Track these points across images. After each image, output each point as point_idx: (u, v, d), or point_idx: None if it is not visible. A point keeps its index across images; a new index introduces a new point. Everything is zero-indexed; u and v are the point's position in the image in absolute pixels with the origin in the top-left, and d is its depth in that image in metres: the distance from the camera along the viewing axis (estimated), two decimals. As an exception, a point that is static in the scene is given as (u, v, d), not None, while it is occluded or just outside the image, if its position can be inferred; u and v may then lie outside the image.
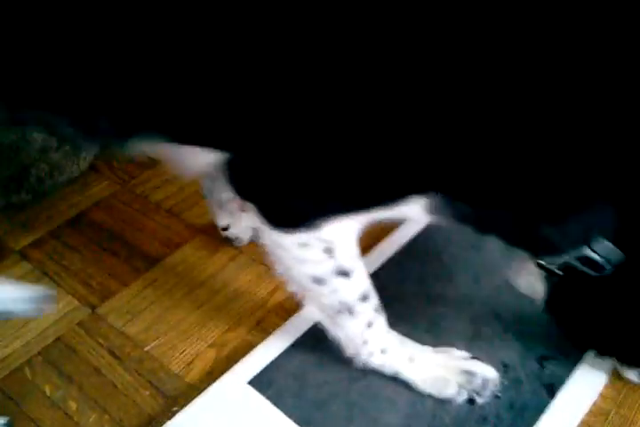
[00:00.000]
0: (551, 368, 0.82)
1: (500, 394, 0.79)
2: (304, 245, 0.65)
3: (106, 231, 1.11)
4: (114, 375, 0.88)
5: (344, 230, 0.66)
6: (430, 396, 0.80)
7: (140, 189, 1.20)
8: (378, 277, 0.94)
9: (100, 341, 0.92)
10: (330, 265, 0.68)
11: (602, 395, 0.80)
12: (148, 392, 0.85)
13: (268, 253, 0.71)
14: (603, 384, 0.81)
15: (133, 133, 0.66)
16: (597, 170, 0.49)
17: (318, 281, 0.70)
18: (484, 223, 0.61)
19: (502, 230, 0.62)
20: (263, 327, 0.92)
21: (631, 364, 0.76)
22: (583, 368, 0.82)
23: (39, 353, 0.91)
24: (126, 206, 1.16)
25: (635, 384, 0.80)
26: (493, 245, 0.98)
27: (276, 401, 0.81)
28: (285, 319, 0.91)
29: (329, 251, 0.66)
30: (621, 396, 0.80)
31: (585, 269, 0.61)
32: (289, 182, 0.60)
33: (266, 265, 1.02)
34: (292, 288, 0.76)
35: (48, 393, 0.86)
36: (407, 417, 0.78)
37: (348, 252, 0.69)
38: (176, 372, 0.87)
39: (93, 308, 0.97)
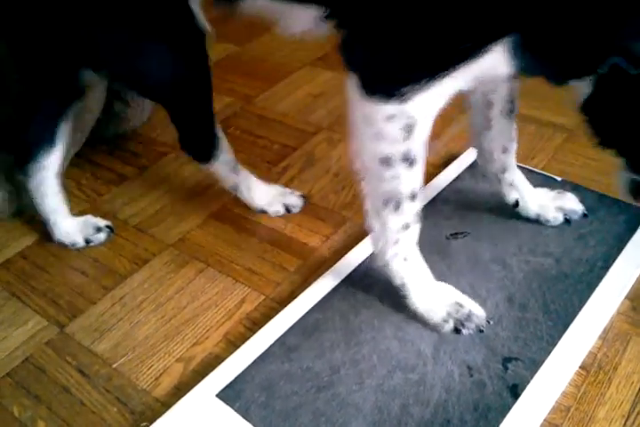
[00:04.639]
0: (515, 370, 0.83)
1: (483, 329, 0.88)
2: (390, 117, 0.69)
3: (74, 250, 1.11)
4: (82, 393, 0.88)
5: (428, 108, 0.69)
6: (395, 401, 0.80)
7: (108, 206, 1.20)
8: (346, 285, 0.97)
9: (69, 359, 0.92)
10: (403, 146, 0.72)
11: (562, 392, 0.81)
12: (115, 409, 0.85)
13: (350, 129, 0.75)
14: (565, 384, 0.82)
15: None
16: None
17: (385, 162, 0.73)
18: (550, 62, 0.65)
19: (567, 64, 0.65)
20: (230, 340, 0.93)
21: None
22: (546, 368, 0.83)
23: (7, 374, 0.91)
24: (94, 224, 1.16)
25: (593, 379, 0.82)
26: (458, 251, 1.02)
27: (244, 413, 0.81)
28: (253, 331, 0.92)
29: (409, 129, 0.70)
30: (581, 392, 0.82)
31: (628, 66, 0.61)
32: (389, 47, 0.66)
33: (233, 277, 1.03)
34: (357, 167, 0.79)
35: (16, 414, 0.86)
36: (373, 424, 0.78)
37: (421, 136, 0.72)
38: (144, 387, 0.87)
39: (62, 327, 0.97)
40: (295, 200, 1.15)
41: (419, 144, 0.73)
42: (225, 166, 1.07)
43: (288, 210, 1.15)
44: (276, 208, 1.14)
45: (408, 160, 0.73)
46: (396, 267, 0.88)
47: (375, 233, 0.85)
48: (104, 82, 1.28)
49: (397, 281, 0.89)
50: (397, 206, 0.79)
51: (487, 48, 0.62)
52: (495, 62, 0.64)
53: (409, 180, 0.76)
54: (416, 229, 0.84)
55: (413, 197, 0.79)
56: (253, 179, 1.13)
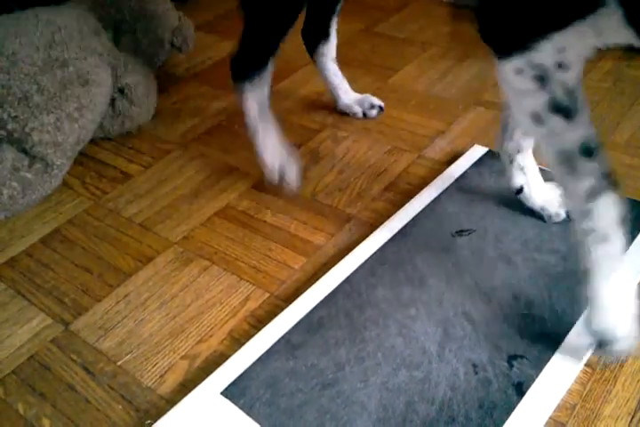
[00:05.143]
0: (520, 367, 0.83)
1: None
2: (519, 71, 0.68)
3: (79, 248, 1.11)
4: (87, 391, 0.88)
5: (556, 57, 0.67)
6: (400, 399, 0.80)
7: (113, 204, 1.20)
8: (351, 283, 0.97)
9: (74, 357, 0.92)
10: (543, 97, 0.69)
11: (567, 389, 0.81)
12: (120, 406, 0.85)
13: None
14: (571, 381, 0.82)
15: None
16: None
17: (536, 119, 0.71)
18: None
19: None
20: (235, 337, 0.93)
21: None
22: (552, 366, 0.83)
23: (13, 372, 0.91)
24: (99, 222, 1.16)
25: (599, 376, 0.82)
26: (463, 248, 1.01)
27: (249, 410, 0.81)
28: (257, 329, 0.92)
29: (540, 79, 0.68)
30: (587, 389, 0.81)
31: None
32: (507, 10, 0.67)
33: (237, 275, 1.03)
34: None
35: (22, 412, 0.86)
36: (378, 421, 0.78)
37: (563, 84, 0.68)
38: (148, 385, 0.87)
39: (67, 325, 0.97)
40: (291, 171, 1.17)
41: (563, 93, 0.69)
42: (257, 98, 1.12)
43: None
44: (289, 170, 1.17)
45: (560, 111, 0.70)
46: (590, 246, 0.76)
47: (566, 202, 0.78)
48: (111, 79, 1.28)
49: (586, 264, 0.77)
50: (572, 167, 0.72)
51: (594, 11, 0.59)
52: (605, 27, 0.61)
53: (570, 132, 0.71)
54: (612, 199, 0.73)
55: (588, 152, 0.71)
56: (274, 131, 1.17)
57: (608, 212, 0.74)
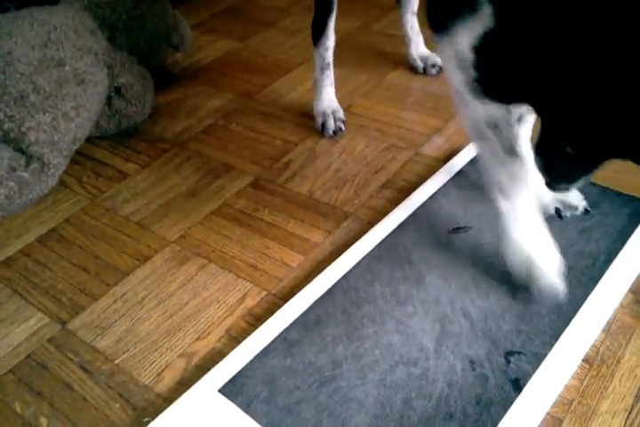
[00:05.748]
0: (517, 363, 0.83)
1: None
2: (442, 49, 0.80)
3: (76, 247, 1.11)
4: (84, 390, 0.88)
5: (470, 41, 0.75)
6: (398, 396, 0.80)
7: (110, 203, 1.20)
8: (348, 280, 0.97)
9: (71, 356, 0.92)
10: (464, 75, 0.78)
11: (565, 385, 0.81)
12: (118, 405, 0.85)
13: None
14: (568, 377, 0.82)
15: None
16: None
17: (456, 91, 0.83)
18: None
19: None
20: (232, 335, 0.93)
21: None
22: (549, 362, 0.83)
23: (10, 371, 0.91)
24: (96, 221, 1.16)
25: (596, 372, 0.82)
26: (460, 245, 1.01)
27: (247, 408, 0.81)
28: (255, 326, 0.92)
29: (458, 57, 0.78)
30: (584, 385, 0.81)
31: None
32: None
33: (234, 273, 1.03)
34: None
35: (19, 411, 0.86)
36: (376, 418, 0.78)
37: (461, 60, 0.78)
38: (146, 383, 0.87)
39: (64, 324, 0.97)
40: (338, 124, 1.34)
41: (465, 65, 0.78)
42: (319, 57, 1.33)
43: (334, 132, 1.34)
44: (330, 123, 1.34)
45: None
46: (497, 199, 0.92)
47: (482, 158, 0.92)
48: (107, 78, 1.28)
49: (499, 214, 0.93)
50: (480, 134, 0.86)
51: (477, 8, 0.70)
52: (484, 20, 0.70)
53: (480, 108, 0.82)
54: (516, 162, 0.87)
55: (494, 125, 0.84)
56: (330, 88, 1.37)
57: (511, 180, 0.88)
